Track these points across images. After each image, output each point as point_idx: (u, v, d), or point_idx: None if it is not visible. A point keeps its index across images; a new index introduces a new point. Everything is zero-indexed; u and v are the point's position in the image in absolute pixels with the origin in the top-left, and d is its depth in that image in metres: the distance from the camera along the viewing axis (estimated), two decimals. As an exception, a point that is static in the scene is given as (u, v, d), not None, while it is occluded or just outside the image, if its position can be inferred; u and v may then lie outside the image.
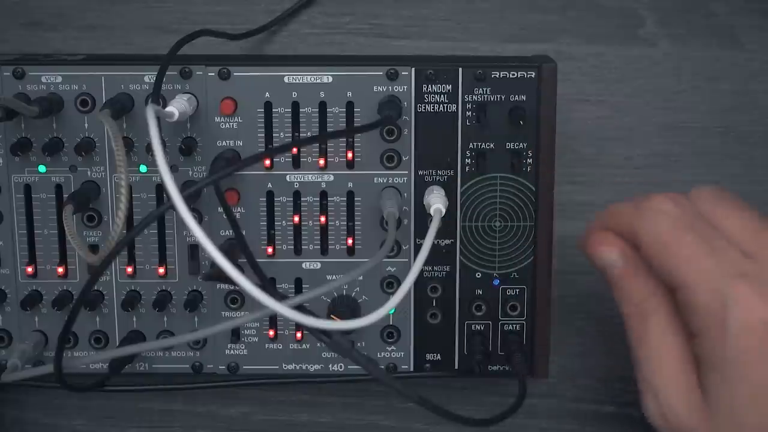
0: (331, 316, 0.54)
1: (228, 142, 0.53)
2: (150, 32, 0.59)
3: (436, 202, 0.51)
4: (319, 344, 0.55)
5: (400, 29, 0.59)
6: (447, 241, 0.54)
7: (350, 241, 0.54)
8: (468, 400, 0.61)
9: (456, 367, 0.56)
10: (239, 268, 0.41)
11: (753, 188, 0.59)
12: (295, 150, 0.53)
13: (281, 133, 0.53)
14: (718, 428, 0.42)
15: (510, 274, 0.54)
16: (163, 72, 0.49)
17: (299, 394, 0.61)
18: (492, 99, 0.53)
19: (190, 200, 0.49)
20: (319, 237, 0.54)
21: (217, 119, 0.53)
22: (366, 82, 0.52)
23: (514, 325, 0.55)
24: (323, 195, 0.54)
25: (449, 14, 0.59)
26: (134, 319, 0.55)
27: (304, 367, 0.56)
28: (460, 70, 0.52)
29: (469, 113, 0.53)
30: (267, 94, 0.53)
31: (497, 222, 0.54)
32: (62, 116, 0.53)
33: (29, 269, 0.54)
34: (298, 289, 0.55)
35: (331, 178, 0.53)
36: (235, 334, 0.55)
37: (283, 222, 0.54)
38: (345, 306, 0.54)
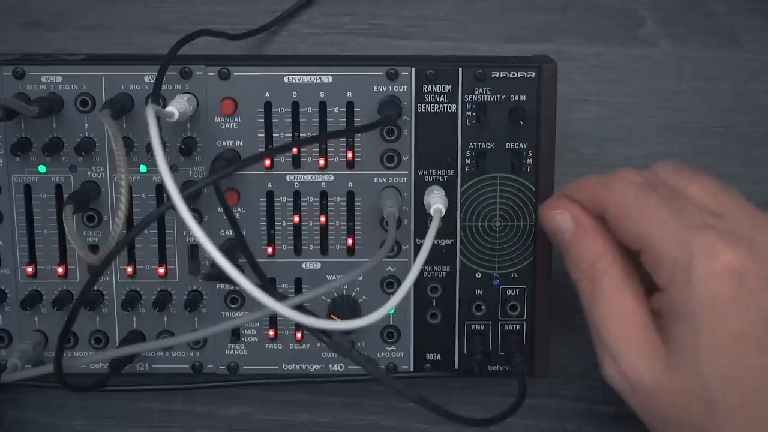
0: (331, 316, 0.54)
1: (228, 142, 0.53)
2: (150, 32, 0.59)
3: (436, 202, 0.51)
4: (319, 344, 0.55)
5: (400, 29, 0.59)
6: (447, 241, 0.54)
7: (350, 241, 0.54)
8: (468, 400, 0.61)
9: (456, 367, 0.56)
10: (239, 268, 0.41)
11: (753, 188, 0.59)
12: (295, 150, 0.53)
13: (281, 133, 0.53)
14: (681, 379, 0.42)
15: (510, 274, 0.54)
16: (163, 72, 0.49)
17: (299, 394, 0.61)
18: (492, 99, 0.53)
19: (190, 200, 0.49)
20: (319, 237, 0.54)
21: (217, 119, 0.53)
22: (366, 82, 0.52)
23: (514, 325, 0.55)
24: (323, 195, 0.54)
25: (449, 14, 0.59)
26: (134, 319, 0.55)
27: (304, 367, 0.56)
28: (460, 70, 0.52)
29: (469, 113, 0.53)
30: (267, 94, 0.53)
31: (497, 222, 0.54)
32: (62, 116, 0.53)
33: (29, 269, 0.54)
34: (298, 289, 0.55)
35: (331, 178, 0.53)
36: (235, 334, 0.55)
37: (283, 222, 0.54)
38: (345, 306, 0.54)
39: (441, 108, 0.53)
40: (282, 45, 0.59)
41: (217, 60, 0.53)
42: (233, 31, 0.56)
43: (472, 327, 0.55)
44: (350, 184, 0.54)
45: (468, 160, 0.53)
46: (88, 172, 0.53)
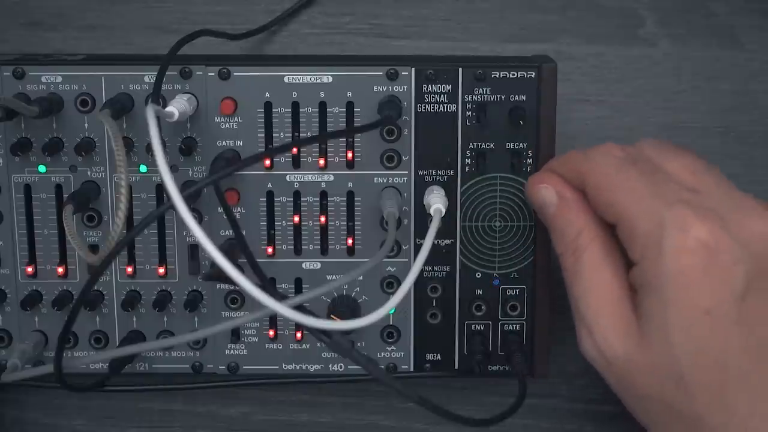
0: (331, 316, 0.54)
1: (228, 142, 0.53)
2: (150, 32, 0.59)
3: (436, 202, 0.51)
4: (319, 344, 0.55)
5: (400, 29, 0.59)
6: (447, 241, 0.54)
7: (350, 241, 0.54)
8: (468, 400, 0.61)
9: (456, 367, 0.56)
10: (239, 268, 0.41)
11: (753, 188, 0.59)
12: (295, 150, 0.53)
13: (281, 133, 0.53)
14: (652, 354, 0.42)
15: (510, 274, 0.54)
16: (163, 72, 0.49)
17: (299, 394, 0.61)
18: (492, 99, 0.53)
19: (190, 200, 0.49)
20: (319, 237, 0.54)
21: (217, 119, 0.53)
22: (366, 82, 0.52)
23: (514, 325, 0.55)
24: (323, 195, 0.54)
25: (449, 14, 0.59)
26: (134, 319, 0.55)
27: (304, 367, 0.56)
28: (460, 70, 0.52)
29: (469, 113, 0.53)
30: (267, 94, 0.53)
31: (497, 222, 0.54)
32: (62, 116, 0.53)
33: (29, 269, 0.54)
34: (298, 289, 0.55)
35: (331, 178, 0.53)
36: (235, 334, 0.55)
37: (283, 222, 0.54)
38: (345, 306, 0.54)
39: (441, 108, 0.53)
40: (282, 45, 0.59)
41: (217, 60, 0.53)
42: (233, 31, 0.56)
43: (472, 327, 0.55)
44: (350, 184, 0.54)
45: (468, 160, 0.53)
46: (88, 172, 0.53)
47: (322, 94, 0.52)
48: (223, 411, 0.62)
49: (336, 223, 0.54)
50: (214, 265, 0.48)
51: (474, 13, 0.59)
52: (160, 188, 0.54)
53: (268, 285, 0.48)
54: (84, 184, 0.53)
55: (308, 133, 0.53)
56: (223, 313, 0.55)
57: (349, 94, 0.52)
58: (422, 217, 0.54)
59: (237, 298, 0.55)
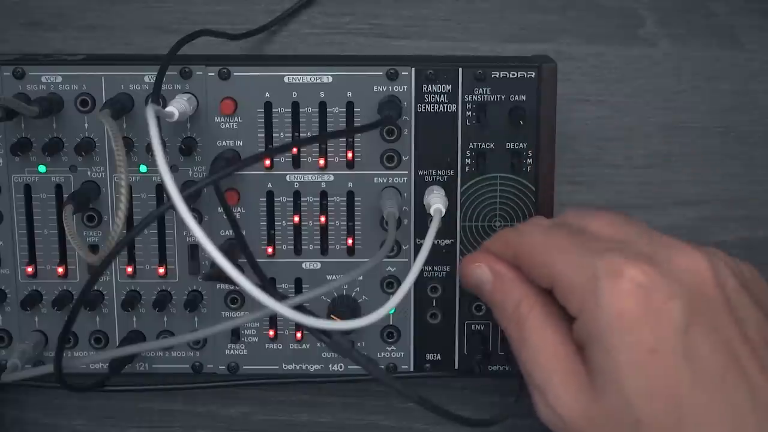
0: (331, 316, 0.54)
1: (228, 142, 0.53)
2: (150, 32, 0.59)
3: (436, 202, 0.51)
4: (319, 344, 0.55)
5: (400, 29, 0.59)
6: (447, 241, 0.54)
7: (350, 241, 0.54)
8: (468, 400, 0.61)
9: (456, 367, 0.56)
10: (239, 268, 0.41)
11: (753, 188, 0.60)
12: (295, 150, 0.53)
13: (281, 133, 0.53)
14: (606, 404, 0.42)
15: (510, 274, 0.54)
16: (163, 72, 0.49)
17: (299, 394, 0.62)
18: (492, 99, 0.53)
19: (190, 200, 0.49)
20: (319, 237, 0.54)
21: (217, 119, 0.53)
22: (366, 82, 0.52)
23: (514, 325, 0.55)
24: (323, 195, 0.54)
25: (449, 14, 0.59)
26: (134, 319, 0.55)
27: (304, 367, 0.56)
28: (460, 70, 0.52)
29: (469, 113, 0.53)
30: (267, 94, 0.53)
31: (497, 222, 0.54)
32: (62, 116, 0.53)
33: (29, 269, 0.54)
34: (298, 289, 0.55)
35: (331, 178, 0.53)
36: (235, 334, 0.55)
37: (283, 222, 0.54)
38: (345, 306, 0.54)
39: (441, 108, 0.53)
40: (282, 45, 0.59)
41: (217, 60, 0.53)
42: (233, 31, 0.56)
43: (472, 327, 0.55)
44: (350, 184, 0.54)
45: (468, 160, 0.53)
46: (88, 172, 0.53)
47: (322, 94, 0.53)
48: (223, 411, 0.62)
49: (336, 223, 0.54)
50: (214, 265, 0.48)
51: (474, 13, 0.59)
52: (160, 188, 0.54)
53: (268, 285, 0.48)
54: (84, 184, 0.53)
55: (308, 133, 0.53)
56: (223, 313, 0.55)
57: (349, 94, 0.52)
58: (422, 217, 0.54)
59: (237, 298, 0.55)
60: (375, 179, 0.53)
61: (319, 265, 0.54)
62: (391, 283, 0.54)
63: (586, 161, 0.59)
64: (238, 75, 0.52)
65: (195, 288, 0.55)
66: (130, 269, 0.54)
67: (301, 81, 0.52)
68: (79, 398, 0.61)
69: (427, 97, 0.53)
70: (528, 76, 0.52)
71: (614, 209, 0.50)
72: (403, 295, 0.45)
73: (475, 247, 0.54)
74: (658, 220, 0.59)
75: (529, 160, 0.53)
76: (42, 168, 0.53)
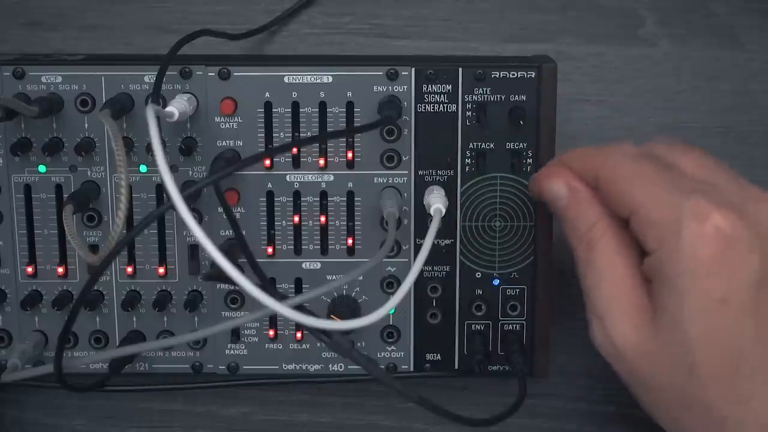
0: (331, 316, 0.54)
1: (228, 142, 0.53)
2: (150, 32, 0.59)
3: (436, 202, 0.51)
4: (319, 344, 0.55)
5: (400, 29, 0.59)
6: (447, 241, 0.54)
7: (350, 241, 0.54)
8: (468, 400, 0.61)
9: (456, 367, 0.56)
10: (239, 268, 0.41)
11: (753, 188, 0.59)
12: (295, 150, 0.53)
13: (281, 133, 0.53)
14: (665, 343, 0.42)
15: (510, 274, 0.54)
16: (163, 72, 0.49)
17: (299, 394, 0.61)
18: (492, 99, 0.53)
19: (190, 200, 0.49)
20: (319, 237, 0.54)
21: (217, 119, 0.53)
22: (366, 82, 0.52)
23: (514, 325, 0.55)
24: (323, 195, 0.54)
25: (449, 14, 0.59)
26: (134, 319, 0.55)
27: (304, 367, 0.56)
28: (460, 70, 0.52)
29: (469, 113, 0.53)
30: (267, 94, 0.53)
31: (497, 222, 0.54)
32: (62, 116, 0.53)
33: (29, 269, 0.54)
34: (298, 289, 0.55)
35: (331, 178, 0.53)
36: (235, 334, 0.55)
37: (283, 222, 0.54)
38: (345, 306, 0.54)
39: (441, 108, 0.53)
40: (282, 45, 0.59)
41: (217, 60, 0.53)
42: (233, 31, 0.56)
43: (472, 327, 0.55)
44: (350, 184, 0.54)
45: (468, 160, 0.53)
46: (88, 172, 0.53)
47: (322, 94, 0.52)
48: (223, 411, 0.62)
49: (336, 223, 0.54)
50: (214, 265, 0.48)
51: (474, 13, 0.59)
52: (160, 188, 0.54)
53: (268, 285, 0.48)
54: (84, 184, 0.53)
55: (308, 133, 0.53)
56: (223, 313, 0.55)
57: (349, 94, 0.52)
58: (422, 217, 0.54)
59: (237, 298, 0.55)
60: (375, 179, 0.53)
61: (319, 265, 0.54)
62: (391, 283, 0.54)
63: (586, 161, 0.59)
64: (238, 75, 0.52)
65: (195, 288, 0.55)
66: (130, 269, 0.54)
67: (301, 81, 0.52)
68: (79, 398, 0.61)
69: (427, 97, 0.53)
70: (528, 76, 0.52)
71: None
72: (403, 295, 0.44)
73: (475, 248, 0.54)
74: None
75: (529, 160, 0.53)
76: (42, 168, 0.53)
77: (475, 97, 0.53)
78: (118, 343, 0.55)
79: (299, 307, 0.44)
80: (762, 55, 0.59)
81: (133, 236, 0.52)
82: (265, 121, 0.53)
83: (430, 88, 0.53)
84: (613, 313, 0.44)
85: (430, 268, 0.54)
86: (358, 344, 0.55)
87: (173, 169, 0.53)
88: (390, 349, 0.55)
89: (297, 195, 0.54)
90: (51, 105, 0.52)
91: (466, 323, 0.55)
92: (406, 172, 0.53)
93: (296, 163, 0.53)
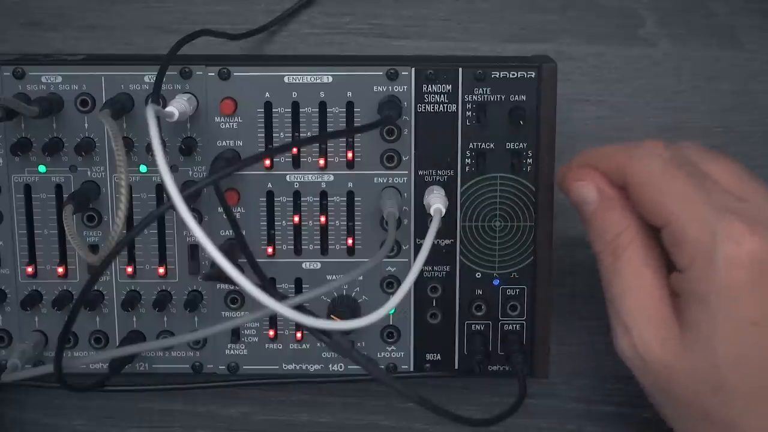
0: (331, 316, 0.54)
1: (228, 142, 0.53)
2: (150, 32, 0.59)
3: (436, 202, 0.51)
4: (319, 344, 0.55)
5: (400, 29, 0.59)
6: (447, 241, 0.54)
7: (350, 241, 0.54)
8: (468, 400, 0.61)
9: (456, 367, 0.56)
10: (239, 268, 0.41)
11: (753, 188, 0.59)
12: (295, 150, 0.53)
13: (281, 133, 0.53)
14: (693, 360, 0.42)
15: (510, 274, 0.54)
16: (163, 72, 0.49)
17: (299, 394, 0.61)
18: (492, 99, 0.53)
19: (190, 200, 0.49)
20: (319, 237, 0.54)
21: (217, 119, 0.53)
22: (366, 82, 0.52)
23: (514, 325, 0.55)
24: (323, 195, 0.54)
25: (449, 14, 0.59)
26: (134, 319, 0.55)
27: (304, 367, 0.56)
28: (460, 70, 0.52)
29: (469, 113, 0.53)
30: (267, 94, 0.53)
31: (497, 222, 0.54)
32: (62, 116, 0.53)
33: (29, 269, 0.54)
34: (298, 289, 0.55)
35: (331, 178, 0.53)
36: (235, 334, 0.55)
37: (283, 222, 0.54)
38: (345, 306, 0.54)
39: (441, 108, 0.53)
40: (282, 45, 0.59)
41: (217, 60, 0.53)
42: (233, 31, 0.56)
43: (472, 327, 0.55)
44: (350, 184, 0.54)
45: (468, 160, 0.53)
46: (88, 172, 0.53)
47: (322, 94, 0.52)
48: (223, 411, 0.62)
49: (336, 223, 0.54)
50: (214, 265, 0.48)
51: (474, 13, 0.59)
52: (160, 188, 0.54)
53: (268, 285, 0.48)
54: (84, 184, 0.53)
55: (308, 133, 0.53)
56: (223, 313, 0.55)
57: (349, 94, 0.52)
58: (422, 217, 0.54)
59: (237, 298, 0.55)
60: (375, 179, 0.53)
61: (319, 265, 0.54)
62: (391, 283, 0.54)
63: (586, 161, 0.59)
64: (238, 75, 0.52)
65: (195, 288, 0.55)
66: (130, 269, 0.54)
67: (301, 81, 0.52)
68: (79, 398, 0.61)
69: (427, 97, 0.53)
70: (528, 76, 0.52)
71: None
72: (403, 295, 0.44)
73: (475, 248, 0.54)
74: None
75: (529, 160, 0.53)
76: (42, 168, 0.53)
77: (475, 97, 0.53)
78: (118, 343, 0.55)
79: (299, 307, 0.44)
80: (762, 55, 0.59)
81: (133, 236, 0.52)
82: (265, 121, 0.53)
83: (430, 88, 0.53)
84: (640, 325, 0.43)
85: (430, 268, 0.54)
86: (358, 344, 0.55)
87: (173, 169, 0.53)
88: (390, 349, 0.55)
89: (297, 195, 0.54)
90: (51, 105, 0.52)
91: (466, 323, 0.55)
92: (406, 172, 0.53)
93: (296, 163, 0.53)
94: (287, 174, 0.53)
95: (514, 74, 0.52)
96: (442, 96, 0.53)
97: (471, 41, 0.59)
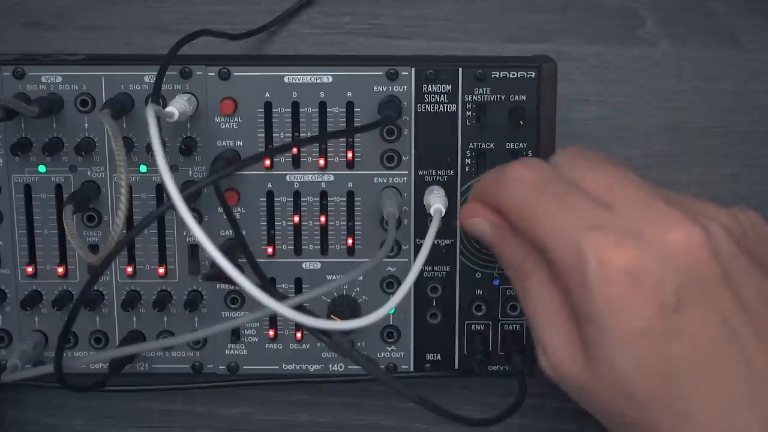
0: (331, 316, 0.54)
1: (228, 142, 0.53)
2: (150, 32, 0.59)
3: (436, 202, 0.51)
4: (319, 344, 0.55)
5: (400, 29, 0.59)
6: (447, 241, 0.54)
7: (350, 241, 0.54)
8: (468, 400, 0.61)
9: (456, 367, 0.56)
10: (239, 268, 0.41)
11: (753, 188, 0.59)
12: (295, 150, 0.53)
13: (281, 133, 0.53)
14: (598, 377, 0.42)
15: (510, 274, 0.54)
16: (163, 72, 0.49)
17: (299, 394, 0.62)
18: (492, 99, 0.53)
19: (190, 200, 0.49)
20: (319, 237, 0.54)
21: (217, 119, 0.53)
22: (366, 82, 0.52)
23: (514, 325, 0.55)
24: (323, 195, 0.54)
25: (449, 14, 0.59)
26: (134, 319, 0.55)
27: (304, 367, 0.56)
28: (460, 70, 0.52)
29: (469, 113, 0.53)
30: (267, 94, 0.53)
31: (497, 222, 0.54)
32: (62, 116, 0.53)
33: (29, 269, 0.54)
34: (298, 289, 0.55)
35: (331, 178, 0.53)
36: (235, 334, 0.55)
37: (283, 222, 0.54)
38: (345, 306, 0.54)
39: (441, 108, 0.53)
40: (282, 45, 0.59)
41: (217, 60, 0.53)
42: (233, 31, 0.56)
43: (472, 327, 0.55)
44: (350, 184, 0.54)
45: (468, 160, 0.53)
46: (88, 172, 0.53)
47: (322, 94, 0.53)
48: (223, 411, 0.62)
49: (336, 223, 0.54)
50: (214, 265, 0.48)
51: (474, 13, 0.59)
52: (160, 188, 0.54)
53: (268, 285, 0.48)
54: (84, 184, 0.53)
55: (308, 133, 0.53)
56: (223, 313, 0.55)
57: (349, 94, 0.52)
58: (422, 217, 0.54)
59: (237, 298, 0.55)
60: (375, 179, 0.53)
61: (319, 265, 0.54)
62: (391, 283, 0.54)
63: (586, 161, 0.59)
64: (238, 75, 0.52)
65: (195, 288, 0.55)
66: (130, 269, 0.54)
67: (301, 81, 0.52)
68: (79, 398, 0.61)
69: (427, 97, 0.53)
70: (528, 76, 0.52)
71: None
72: (403, 295, 0.45)
73: (475, 248, 0.54)
74: (658, 220, 0.59)
75: (529, 160, 0.53)
76: (42, 168, 0.53)
77: (475, 97, 0.53)
78: (118, 343, 0.55)
79: (299, 307, 0.44)
80: (762, 55, 0.59)
81: (133, 236, 0.52)
82: (265, 121, 0.53)
83: (430, 88, 0.53)
84: (553, 343, 0.44)
85: (430, 268, 0.54)
86: (358, 344, 0.55)
87: (173, 169, 0.53)
88: (390, 349, 0.55)
89: (297, 195, 0.54)
90: (51, 105, 0.52)
91: (466, 323, 0.55)
92: (406, 172, 0.53)
93: (296, 163, 0.53)
94: (287, 174, 0.53)
95: (514, 74, 0.52)
96: (442, 96, 0.53)
97: (471, 41, 0.59)
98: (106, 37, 0.59)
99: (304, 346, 0.55)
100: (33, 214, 0.54)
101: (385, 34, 0.59)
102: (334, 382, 0.56)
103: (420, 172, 0.53)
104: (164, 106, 0.51)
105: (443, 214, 0.51)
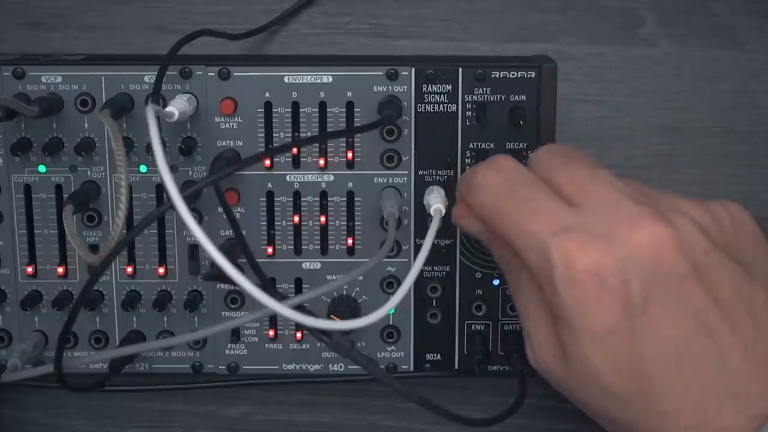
0: (331, 316, 0.54)
1: (228, 142, 0.53)
2: (150, 32, 0.59)
3: (436, 202, 0.51)
4: (319, 344, 0.55)
5: (400, 29, 0.59)
6: (447, 241, 0.54)
7: (350, 241, 0.54)
8: (468, 400, 0.61)
9: (456, 367, 0.56)
10: (239, 268, 0.41)
11: (753, 188, 0.59)
12: (295, 150, 0.53)
13: (281, 133, 0.53)
14: (576, 374, 0.43)
15: (510, 274, 0.54)
16: (163, 72, 0.49)
17: (299, 394, 0.61)
18: (492, 99, 0.53)
19: (190, 200, 0.49)
20: (319, 237, 0.54)
21: (217, 119, 0.53)
22: (366, 82, 0.52)
23: (514, 325, 0.55)
24: (323, 195, 0.54)
25: (449, 14, 0.59)
26: (134, 319, 0.55)
27: (304, 367, 0.56)
28: (460, 70, 0.52)
29: (469, 113, 0.53)
30: (267, 94, 0.53)
31: (497, 222, 0.54)
32: (62, 116, 0.53)
33: (29, 269, 0.54)
34: (298, 289, 0.55)
35: (331, 178, 0.53)
36: (235, 334, 0.55)
37: (283, 222, 0.54)
38: (345, 306, 0.54)
39: (441, 108, 0.53)
40: (282, 45, 0.59)
41: (217, 60, 0.53)
42: (233, 31, 0.56)
43: (472, 327, 0.55)
44: (350, 184, 0.54)
45: (468, 160, 0.53)
46: (88, 172, 0.53)
47: (322, 94, 0.53)
48: (223, 411, 0.62)
49: (336, 223, 0.54)
50: (214, 265, 0.48)
51: (474, 13, 0.59)
52: (160, 188, 0.54)
53: (268, 285, 0.48)
54: (84, 184, 0.53)
55: (308, 133, 0.53)
56: (223, 313, 0.55)
57: (349, 94, 0.52)
58: (422, 217, 0.54)
59: (237, 298, 0.55)
60: (375, 179, 0.53)
61: (319, 265, 0.54)
62: (391, 283, 0.54)
63: (586, 161, 0.59)
64: (238, 75, 0.52)
65: (195, 288, 0.55)
66: (130, 269, 0.54)
67: (301, 81, 0.52)
68: (79, 398, 0.61)
69: (427, 97, 0.53)
70: (528, 76, 0.52)
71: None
72: (403, 295, 0.45)
73: (475, 248, 0.54)
74: (658, 220, 0.59)
75: (529, 160, 0.53)
76: (42, 168, 0.53)
77: (475, 97, 0.53)
78: (118, 343, 0.55)
79: (299, 307, 0.44)
80: (762, 55, 0.59)
81: (133, 236, 0.52)
82: (265, 121, 0.53)
83: (430, 88, 0.53)
84: (536, 339, 0.45)
85: (430, 268, 0.55)
86: (358, 344, 0.55)
87: (173, 169, 0.53)
88: (390, 349, 0.55)
89: (297, 195, 0.54)
90: (51, 105, 0.52)
91: (466, 323, 0.55)
92: (406, 172, 0.53)
93: (296, 163, 0.53)
94: (287, 174, 0.53)
95: (514, 74, 0.52)
96: (442, 96, 0.53)
97: (471, 41, 0.59)
98: (106, 37, 0.59)
99: (304, 346, 0.55)
100: (33, 214, 0.54)
101: (385, 34, 0.59)
102: (334, 382, 0.56)
103: (420, 172, 0.53)
104: (164, 106, 0.51)
105: (443, 214, 0.51)
